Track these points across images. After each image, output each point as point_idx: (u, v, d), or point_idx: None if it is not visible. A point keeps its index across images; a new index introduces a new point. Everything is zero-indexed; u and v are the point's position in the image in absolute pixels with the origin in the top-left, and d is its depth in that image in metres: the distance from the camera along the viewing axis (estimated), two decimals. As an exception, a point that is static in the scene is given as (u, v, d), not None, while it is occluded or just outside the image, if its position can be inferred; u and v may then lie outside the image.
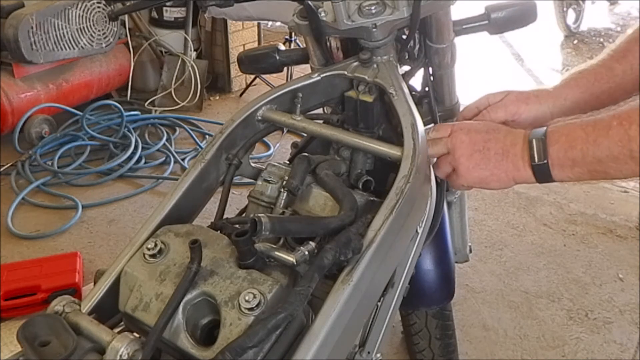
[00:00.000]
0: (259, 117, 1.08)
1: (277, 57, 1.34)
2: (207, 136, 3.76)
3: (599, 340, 2.22)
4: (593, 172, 0.86)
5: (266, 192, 1.02)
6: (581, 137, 0.85)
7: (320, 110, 1.19)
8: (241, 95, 4.36)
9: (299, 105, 1.05)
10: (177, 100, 4.02)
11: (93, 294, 0.87)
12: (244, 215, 1.06)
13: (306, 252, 0.82)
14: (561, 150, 0.87)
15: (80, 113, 3.58)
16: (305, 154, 1.05)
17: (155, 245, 0.84)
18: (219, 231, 0.91)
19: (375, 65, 1.07)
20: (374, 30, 1.04)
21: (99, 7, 3.62)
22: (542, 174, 0.89)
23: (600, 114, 0.86)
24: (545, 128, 0.90)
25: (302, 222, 0.89)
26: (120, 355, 0.72)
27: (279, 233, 0.83)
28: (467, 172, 0.95)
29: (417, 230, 1.01)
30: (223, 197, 1.04)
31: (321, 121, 1.08)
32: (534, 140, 0.90)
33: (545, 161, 0.88)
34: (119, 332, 0.76)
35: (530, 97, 1.07)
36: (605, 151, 0.83)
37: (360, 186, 1.03)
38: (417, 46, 1.23)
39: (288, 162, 1.11)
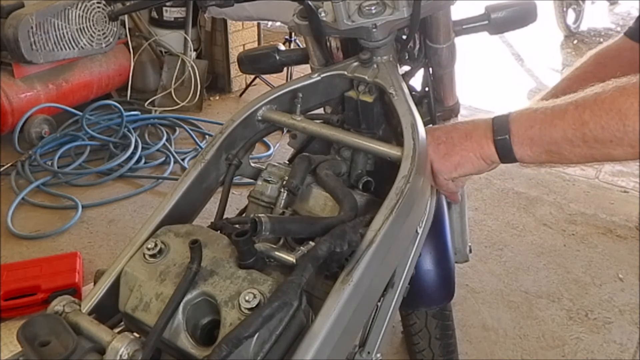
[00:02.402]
0: (259, 117, 1.08)
1: (277, 57, 1.34)
2: (207, 136, 3.75)
3: (599, 340, 2.22)
4: (550, 153, 0.90)
5: (266, 192, 1.02)
6: (540, 118, 0.90)
7: (320, 110, 1.19)
8: (241, 95, 4.36)
9: (299, 105, 1.05)
10: (177, 100, 4.02)
11: (93, 294, 0.87)
12: (244, 215, 1.06)
13: (306, 252, 0.82)
14: (521, 128, 0.92)
15: (80, 113, 3.58)
16: (306, 153, 1.05)
17: (155, 245, 0.84)
18: (219, 231, 0.91)
19: (375, 66, 1.06)
20: (374, 30, 1.04)
21: (99, 7, 3.62)
22: (504, 149, 0.93)
23: (560, 100, 0.91)
24: (508, 113, 0.96)
25: (302, 222, 0.89)
26: (120, 355, 0.72)
27: (279, 233, 0.83)
28: (439, 164, 0.99)
29: (417, 231, 1.01)
30: (223, 197, 1.04)
31: (321, 121, 1.08)
32: (496, 119, 0.95)
33: (507, 136, 0.92)
34: (119, 332, 0.76)
35: None
36: (561, 132, 0.88)
37: (361, 187, 1.03)
38: (417, 46, 1.23)
39: (288, 162, 1.11)
